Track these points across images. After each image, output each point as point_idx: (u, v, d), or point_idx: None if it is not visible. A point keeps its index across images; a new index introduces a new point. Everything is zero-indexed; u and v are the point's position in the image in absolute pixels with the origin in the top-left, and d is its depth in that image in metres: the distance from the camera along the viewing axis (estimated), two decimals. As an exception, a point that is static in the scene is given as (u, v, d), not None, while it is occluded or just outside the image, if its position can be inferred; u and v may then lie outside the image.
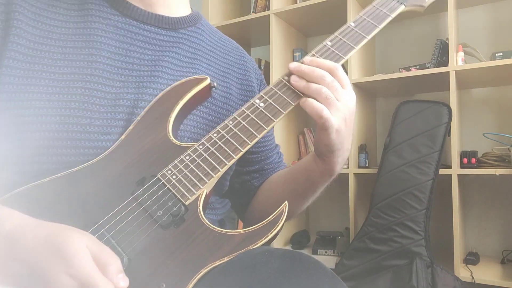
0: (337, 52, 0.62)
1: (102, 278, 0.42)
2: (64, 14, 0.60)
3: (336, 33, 0.64)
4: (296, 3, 2.15)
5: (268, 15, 2.11)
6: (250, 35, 2.45)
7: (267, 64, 2.38)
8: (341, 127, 0.57)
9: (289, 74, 0.60)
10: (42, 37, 0.57)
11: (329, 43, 0.63)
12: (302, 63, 0.59)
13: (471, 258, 1.72)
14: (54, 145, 0.53)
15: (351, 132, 0.61)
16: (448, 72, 1.68)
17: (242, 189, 0.77)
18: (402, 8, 0.68)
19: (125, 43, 0.62)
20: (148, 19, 0.65)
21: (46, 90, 0.54)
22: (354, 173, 1.88)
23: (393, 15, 0.67)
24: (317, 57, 0.61)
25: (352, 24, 0.65)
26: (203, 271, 0.47)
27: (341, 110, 0.56)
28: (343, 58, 0.62)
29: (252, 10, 2.34)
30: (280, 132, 2.09)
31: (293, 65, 0.59)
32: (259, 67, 2.41)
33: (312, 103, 0.55)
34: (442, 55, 1.80)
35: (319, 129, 0.58)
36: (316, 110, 0.55)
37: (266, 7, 2.26)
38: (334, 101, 0.56)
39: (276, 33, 2.13)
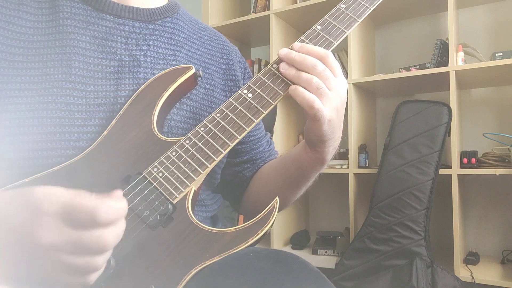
0: (328, 37, 0.59)
1: (85, 200, 0.39)
2: (34, 13, 0.58)
3: (326, 16, 0.61)
4: (296, 3, 2.15)
5: (268, 15, 2.11)
6: (250, 35, 2.44)
7: (267, 64, 2.37)
8: (333, 117, 0.55)
9: (278, 62, 0.57)
10: (13, 39, 0.55)
11: (319, 27, 0.60)
12: (291, 49, 0.57)
13: (471, 258, 1.72)
14: (34, 148, 0.52)
15: (342, 121, 0.59)
16: (448, 72, 1.68)
17: (234, 181, 0.76)
18: None
19: (100, 38, 0.60)
20: (122, 12, 0.63)
21: (22, 93, 0.53)
22: (354, 173, 1.88)
23: None
24: (307, 42, 0.58)
25: (343, 6, 0.62)
26: (193, 271, 0.45)
27: (333, 100, 0.54)
28: (334, 43, 0.59)
29: (252, 10, 2.34)
30: (280, 132, 2.09)
31: (283, 51, 0.56)
32: (259, 67, 2.41)
33: (302, 93, 0.53)
34: (442, 55, 1.80)
35: (310, 120, 0.55)
36: (307, 101, 0.52)
37: (266, 7, 2.26)
38: (326, 91, 0.54)
39: (276, 33, 2.13)
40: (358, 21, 0.61)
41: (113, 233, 0.40)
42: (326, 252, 1.94)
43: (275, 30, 2.12)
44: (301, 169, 0.66)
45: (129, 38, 0.63)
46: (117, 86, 0.59)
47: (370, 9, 0.62)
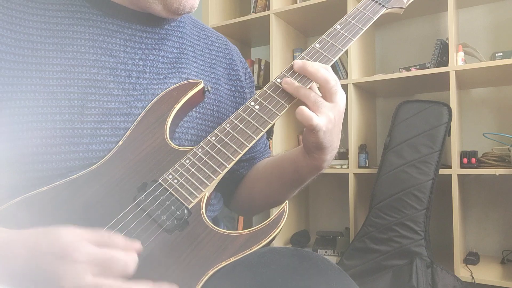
0: (326, 54, 0.64)
1: (116, 250, 0.42)
2: (41, 14, 0.58)
3: (323, 36, 0.66)
4: (296, 3, 2.15)
5: (268, 15, 2.11)
6: (250, 35, 2.45)
7: (267, 64, 2.38)
8: (329, 127, 0.58)
9: (282, 76, 0.61)
10: (20, 40, 0.55)
11: (318, 45, 0.64)
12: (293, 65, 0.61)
13: (471, 258, 1.72)
14: (48, 152, 0.52)
15: (340, 132, 0.62)
16: (448, 72, 1.68)
17: (230, 178, 0.77)
18: (383, 10, 0.71)
19: (110, 43, 0.61)
20: (132, 17, 0.64)
21: (32, 96, 0.53)
22: (354, 173, 1.88)
23: (376, 17, 0.69)
24: (307, 59, 0.62)
25: (338, 26, 0.67)
26: (210, 273, 0.47)
27: (331, 110, 0.58)
28: (332, 59, 0.63)
29: (252, 10, 2.34)
30: (280, 131, 2.09)
31: (298, 64, 0.60)
32: (259, 67, 2.41)
33: (302, 112, 0.56)
34: (442, 55, 1.80)
35: (307, 130, 0.59)
36: (306, 118, 0.56)
37: (266, 7, 2.26)
38: (323, 103, 0.57)
39: (276, 33, 2.13)
40: (353, 40, 0.66)
41: None
42: (326, 252, 1.94)
43: (275, 30, 2.12)
44: (298, 173, 0.67)
45: (138, 43, 0.64)
46: (129, 91, 0.60)
47: (363, 29, 0.67)
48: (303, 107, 0.57)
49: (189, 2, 0.63)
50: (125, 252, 0.43)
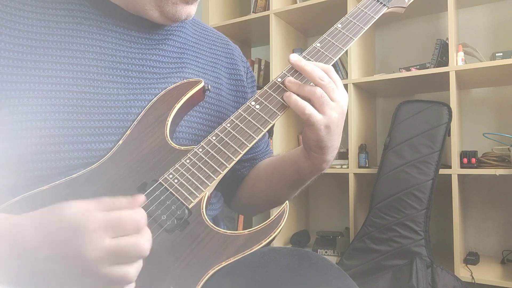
0: (327, 54, 0.63)
1: (124, 210, 0.42)
2: (41, 12, 0.57)
3: (324, 35, 0.65)
4: (296, 3, 2.15)
5: (268, 15, 2.11)
6: (250, 35, 2.45)
7: (267, 64, 2.38)
8: (331, 125, 0.58)
9: (283, 76, 0.61)
10: (19, 37, 0.55)
11: (319, 45, 0.64)
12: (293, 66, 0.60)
13: (471, 258, 1.72)
14: (47, 150, 0.52)
15: (341, 133, 0.62)
16: (448, 72, 1.68)
17: (231, 178, 0.77)
18: (384, 9, 0.71)
19: (110, 43, 0.61)
20: (131, 19, 0.63)
21: (32, 94, 0.53)
22: (354, 173, 1.88)
23: (377, 16, 0.69)
24: (308, 59, 0.62)
25: (340, 25, 0.67)
26: (210, 273, 0.47)
27: (334, 109, 0.58)
28: (333, 59, 0.63)
29: (252, 10, 2.34)
30: (280, 131, 2.09)
31: (294, 57, 0.59)
32: (259, 67, 2.41)
33: (295, 100, 0.56)
34: (442, 55, 1.80)
35: (306, 125, 0.58)
36: (299, 107, 0.56)
37: (266, 7, 2.26)
38: (328, 100, 0.57)
39: (276, 33, 2.13)
40: (354, 39, 0.66)
41: (147, 239, 0.43)
42: (326, 252, 1.94)
43: (275, 30, 2.12)
44: (299, 173, 0.67)
45: (139, 43, 0.64)
46: (129, 90, 0.60)
47: (364, 29, 0.67)
48: (294, 95, 0.57)
49: (186, 10, 0.62)
50: (132, 209, 0.43)
